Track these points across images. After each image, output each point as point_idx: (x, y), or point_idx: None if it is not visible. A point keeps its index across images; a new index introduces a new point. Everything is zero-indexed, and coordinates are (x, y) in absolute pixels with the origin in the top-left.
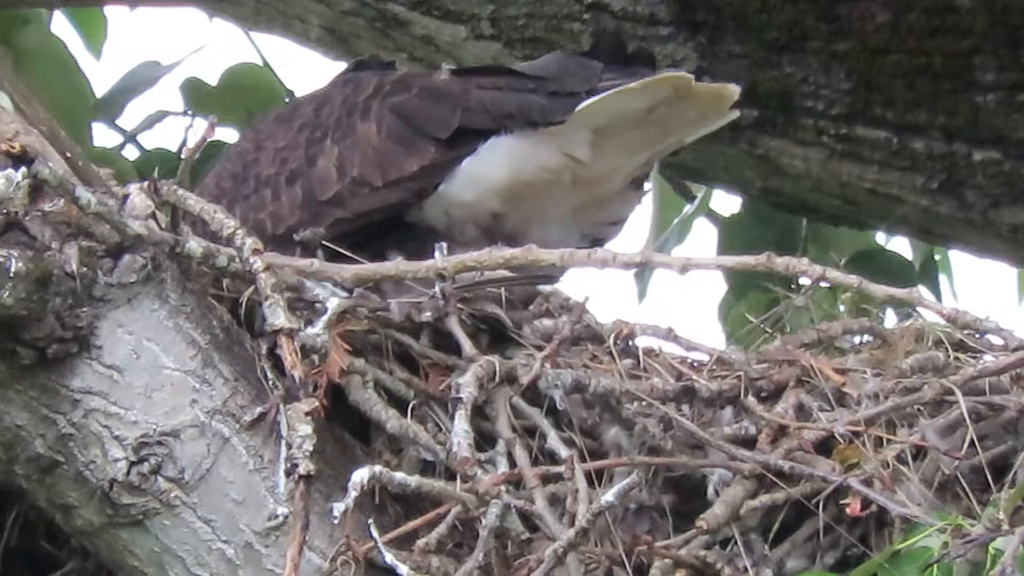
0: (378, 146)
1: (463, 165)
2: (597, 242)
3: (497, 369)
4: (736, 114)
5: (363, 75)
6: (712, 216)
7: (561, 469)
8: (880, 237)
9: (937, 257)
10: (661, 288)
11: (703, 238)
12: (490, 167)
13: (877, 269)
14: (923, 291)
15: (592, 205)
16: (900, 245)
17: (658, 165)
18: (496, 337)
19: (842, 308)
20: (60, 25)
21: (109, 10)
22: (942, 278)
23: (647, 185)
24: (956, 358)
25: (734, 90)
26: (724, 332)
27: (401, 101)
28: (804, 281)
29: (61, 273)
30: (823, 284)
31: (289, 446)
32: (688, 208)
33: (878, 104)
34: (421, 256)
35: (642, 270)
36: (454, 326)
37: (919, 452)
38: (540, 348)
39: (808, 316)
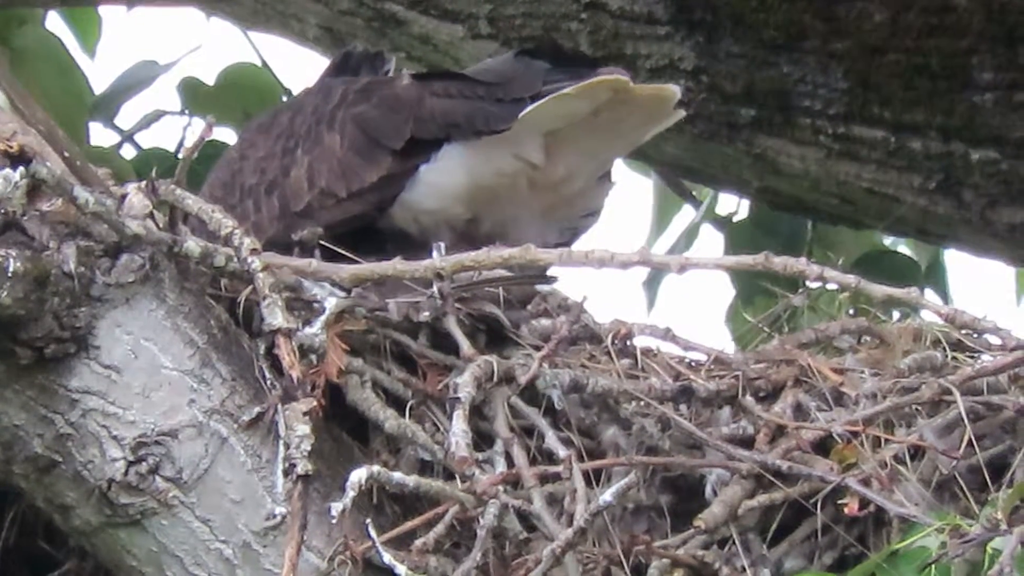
0: (341, 157)
1: (421, 173)
2: (576, 234)
3: (495, 369)
4: (682, 113)
5: (335, 82)
6: (718, 222)
7: (559, 469)
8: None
9: None
10: (670, 297)
11: (710, 245)
12: (447, 175)
13: (883, 271)
14: (929, 293)
15: (561, 204)
16: (906, 247)
17: (655, 166)
18: (494, 337)
19: (839, 308)
20: (54, 25)
21: (106, 9)
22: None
23: (653, 180)
24: (954, 358)
25: (674, 90)
26: (731, 337)
27: (361, 111)
28: (814, 285)
29: (59, 273)
30: (824, 285)
31: (287, 446)
32: (695, 216)
33: (875, 103)
34: None
35: (650, 279)
36: (452, 326)
37: (917, 452)
38: (538, 348)
39: (815, 318)
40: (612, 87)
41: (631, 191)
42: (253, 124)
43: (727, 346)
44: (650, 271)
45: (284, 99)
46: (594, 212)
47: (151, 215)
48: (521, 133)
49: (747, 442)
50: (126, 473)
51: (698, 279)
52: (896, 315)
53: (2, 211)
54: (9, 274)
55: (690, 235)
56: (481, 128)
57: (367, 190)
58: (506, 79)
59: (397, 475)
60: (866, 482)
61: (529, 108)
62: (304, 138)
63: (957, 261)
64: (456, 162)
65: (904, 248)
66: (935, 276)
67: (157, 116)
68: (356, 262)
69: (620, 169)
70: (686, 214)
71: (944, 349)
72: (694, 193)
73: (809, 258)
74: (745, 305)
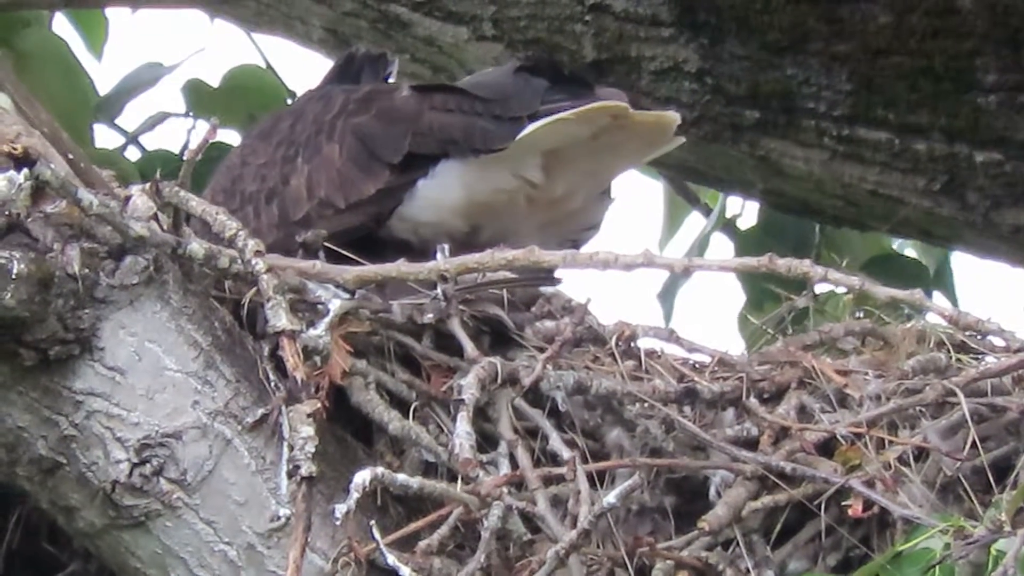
0: (340, 168)
1: (419, 188)
2: (575, 246)
3: (499, 371)
4: (682, 139)
5: (336, 89)
6: (728, 229)
7: (563, 471)
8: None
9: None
10: (684, 306)
11: (721, 252)
12: (445, 190)
13: (892, 274)
14: (938, 296)
15: (560, 219)
16: (913, 250)
17: (662, 170)
18: (498, 339)
19: (843, 310)
20: (61, 27)
21: (110, 11)
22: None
23: (663, 184)
24: (958, 359)
25: (674, 117)
26: (744, 343)
27: (360, 123)
28: (823, 288)
29: (63, 275)
30: (835, 288)
31: (291, 447)
32: (707, 225)
33: (879, 105)
34: None
35: (665, 291)
36: (456, 328)
37: (921, 453)
38: (542, 350)
39: (822, 321)
40: (611, 113)
41: (642, 195)
42: (255, 129)
43: (732, 349)
44: (664, 284)
45: (288, 101)
46: (593, 226)
47: (155, 217)
48: (519, 152)
49: (751, 444)
50: (130, 475)
51: (711, 288)
52: (907, 315)
53: (6, 213)
54: (13, 276)
55: (702, 244)
56: (478, 146)
57: (365, 202)
58: (504, 95)
59: (401, 477)
60: (870, 484)
61: (527, 130)
62: (304, 147)
63: (967, 263)
64: (454, 178)
65: (912, 251)
66: (944, 279)
67: (161, 118)
68: (360, 264)
69: (630, 172)
70: (696, 218)
71: (948, 351)
72: (699, 196)
73: (818, 260)
74: (755, 310)
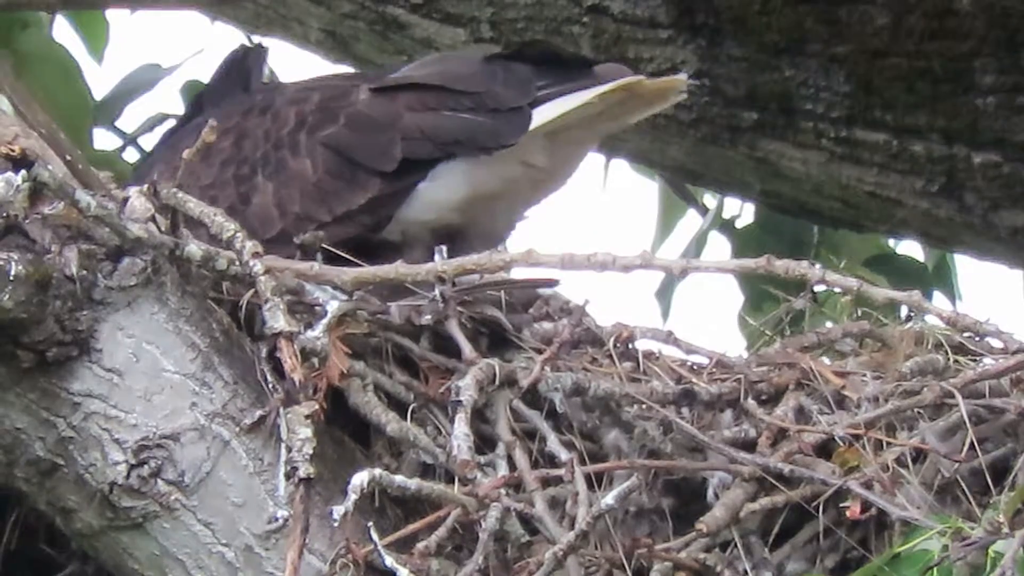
0: (317, 182)
1: (420, 190)
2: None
3: (497, 372)
4: (683, 96)
5: (272, 99)
6: (725, 229)
7: (561, 472)
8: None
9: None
10: (683, 306)
11: (719, 251)
12: (449, 190)
13: (891, 274)
14: (938, 296)
15: (542, 196)
16: (914, 249)
17: (659, 171)
18: (496, 340)
19: (841, 312)
20: (62, 29)
21: (110, 13)
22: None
23: (658, 184)
24: (956, 361)
25: (683, 80)
26: (745, 342)
27: (331, 134)
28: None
29: (61, 276)
30: (834, 289)
31: (289, 449)
32: (704, 223)
33: (878, 107)
34: None
35: (663, 289)
36: (454, 329)
37: (919, 455)
38: (540, 351)
39: (821, 321)
40: (629, 88)
41: (636, 195)
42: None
43: (731, 350)
44: (661, 282)
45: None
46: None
47: (153, 218)
48: (527, 140)
49: (749, 445)
50: (128, 476)
51: (710, 287)
52: (904, 313)
53: (4, 214)
54: (11, 277)
55: (699, 242)
56: (489, 145)
57: (356, 212)
58: (487, 86)
59: (399, 478)
60: (868, 485)
61: (543, 120)
62: (262, 163)
63: (965, 262)
64: (458, 176)
65: (909, 249)
66: (942, 278)
67: (160, 119)
68: (358, 266)
69: (625, 173)
70: (691, 218)
71: (946, 352)
72: (697, 198)
73: (815, 261)
74: (754, 311)
